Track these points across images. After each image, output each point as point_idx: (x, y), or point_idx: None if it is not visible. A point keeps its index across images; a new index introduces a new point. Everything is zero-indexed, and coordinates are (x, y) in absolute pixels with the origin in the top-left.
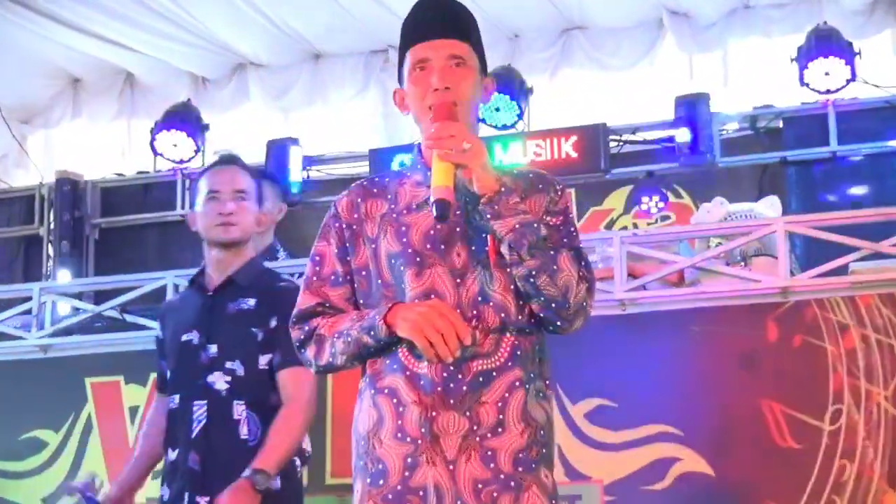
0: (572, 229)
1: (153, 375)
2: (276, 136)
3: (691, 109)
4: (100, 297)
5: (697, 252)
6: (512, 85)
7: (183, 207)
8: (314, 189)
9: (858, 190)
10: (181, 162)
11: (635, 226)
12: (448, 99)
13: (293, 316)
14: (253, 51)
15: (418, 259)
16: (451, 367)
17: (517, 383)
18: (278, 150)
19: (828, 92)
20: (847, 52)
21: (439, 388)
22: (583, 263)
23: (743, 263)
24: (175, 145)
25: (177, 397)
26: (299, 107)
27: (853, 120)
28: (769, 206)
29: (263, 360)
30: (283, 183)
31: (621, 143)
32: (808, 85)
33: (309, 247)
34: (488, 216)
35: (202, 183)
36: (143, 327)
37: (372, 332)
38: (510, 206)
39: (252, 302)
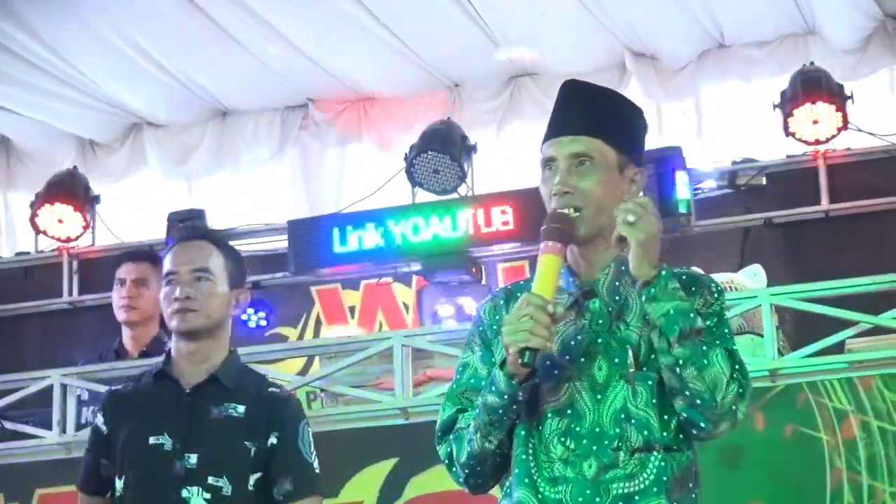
0: (726, 331)
1: (38, 492)
2: (179, 207)
3: (661, 165)
4: None
5: None
6: (452, 142)
7: (70, 294)
8: None
9: (855, 255)
10: (67, 240)
11: None
12: (568, 204)
13: (437, 433)
14: (149, 108)
15: (556, 371)
16: (588, 490)
17: None
18: (179, 224)
19: (817, 142)
20: (838, 97)
21: None
22: (737, 366)
23: None
24: (60, 221)
25: None
26: (205, 173)
27: (847, 174)
28: (752, 276)
29: (253, 480)
30: None
31: None
32: (793, 135)
33: None
34: (644, 298)
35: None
36: (26, 436)
37: (493, 387)
38: (667, 290)
39: (241, 409)
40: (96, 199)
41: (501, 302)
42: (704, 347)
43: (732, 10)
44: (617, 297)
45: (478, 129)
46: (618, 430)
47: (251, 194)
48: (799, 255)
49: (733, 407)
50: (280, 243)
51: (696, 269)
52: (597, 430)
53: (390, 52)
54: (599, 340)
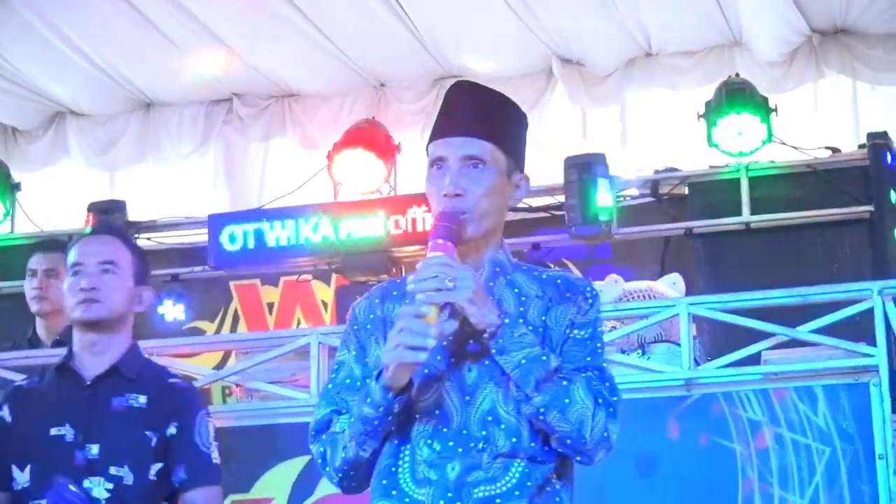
0: (598, 345)
1: None
2: (100, 197)
3: (584, 172)
4: None
5: None
6: (376, 141)
7: None
8: None
9: (774, 267)
10: None
11: None
12: (458, 206)
13: (310, 432)
14: (72, 98)
15: (426, 371)
16: (450, 494)
17: None
18: (101, 214)
19: (740, 154)
20: (762, 109)
21: None
22: (606, 385)
23: (641, 352)
24: None
25: (43, 503)
26: (127, 164)
27: (769, 186)
28: (671, 285)
29: (154, 470)
30: None
31: None
32: (717, 146)
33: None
34: (492, 350)
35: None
36: None
37: (368, 398)
38: (515, 339)
39: (143, 399)
40: (17, 186)
41: (377, 300)
42: (565, 384)
43: (660, 19)
44: (490, 298)
45: (402, 130)
46: (484, 433)
47: (173, 187)
48: (718, 266)
49: (605, 434)
50: (200, 237)
51: (571, 270)
52: (464, 432)
53: (316, 50)
54: (471, 342)
